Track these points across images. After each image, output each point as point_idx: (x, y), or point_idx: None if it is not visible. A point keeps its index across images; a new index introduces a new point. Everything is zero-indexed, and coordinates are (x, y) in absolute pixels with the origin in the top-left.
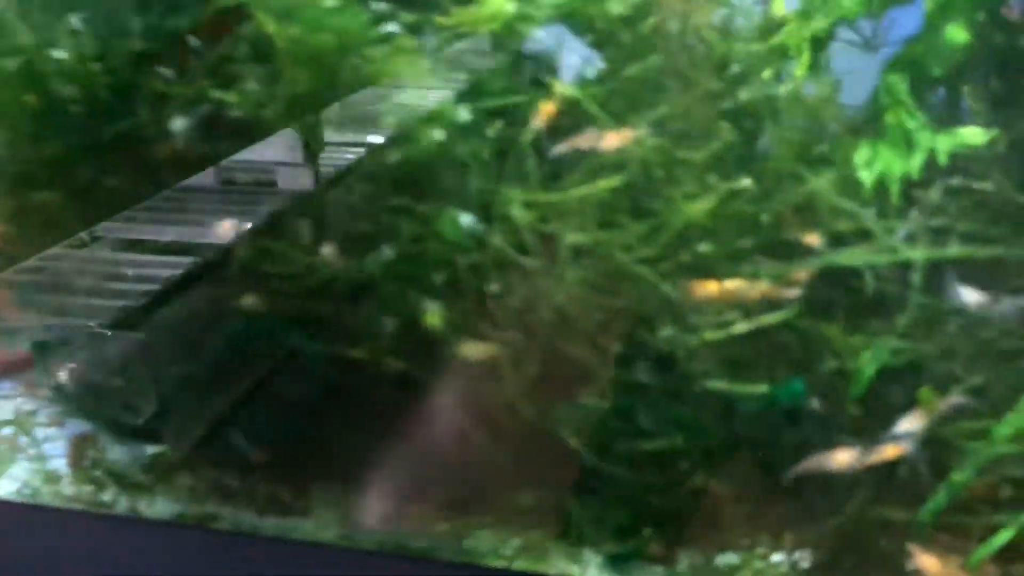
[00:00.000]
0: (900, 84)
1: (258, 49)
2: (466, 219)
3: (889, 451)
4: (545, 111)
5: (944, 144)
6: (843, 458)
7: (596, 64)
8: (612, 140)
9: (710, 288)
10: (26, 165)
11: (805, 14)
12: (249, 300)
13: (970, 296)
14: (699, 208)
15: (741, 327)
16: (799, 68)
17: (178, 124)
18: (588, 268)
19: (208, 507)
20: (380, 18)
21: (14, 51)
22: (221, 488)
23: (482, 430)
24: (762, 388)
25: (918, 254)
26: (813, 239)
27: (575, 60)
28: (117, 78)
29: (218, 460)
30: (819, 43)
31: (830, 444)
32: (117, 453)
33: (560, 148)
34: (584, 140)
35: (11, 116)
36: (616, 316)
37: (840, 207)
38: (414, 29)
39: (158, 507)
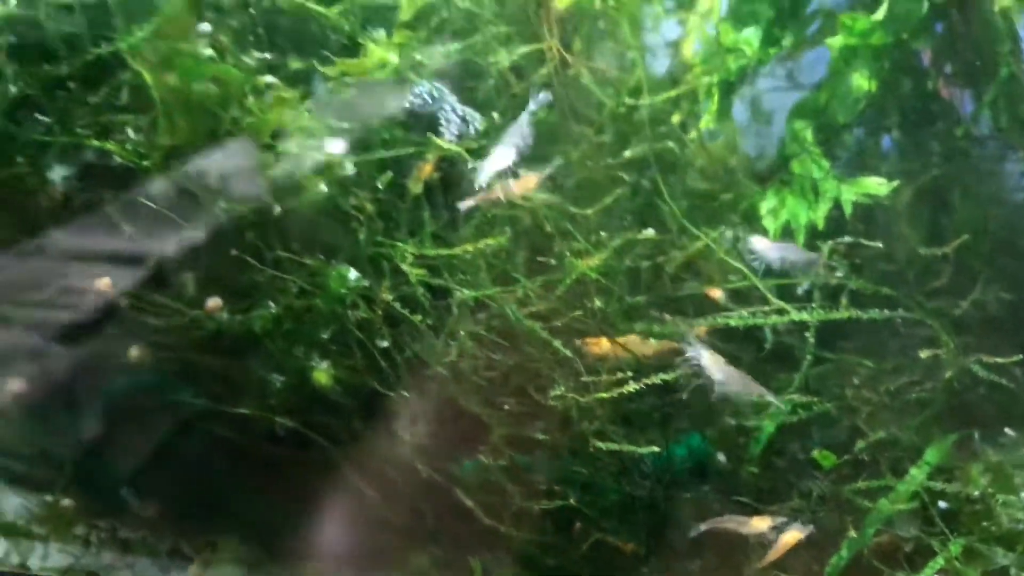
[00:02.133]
0: (805, 131)
1: (137, 98)
2: (353, 274)
3: (792, 536)
4: (427, 168)
5: (849, 194)
6: (758, 525)
7: (478, 118)
8: (517, 188)
9: (603, 345)
10: None
11: (711, 59)
12: (135, 353)
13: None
14: (594, 262)
15: (632, 386)
16: (706, 115)
17: (57, 172)
18: (481, 324)
19: (103, 558)
20: (261, 68)
21: None
22: (117, 540)
23: (378, 487)
24: (655, 448)
25: (810, 316)
26: (716, 293)
27: (457, 115)
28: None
29: (112, 511)
30: (728, 88)
31: (730, 502)
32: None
33: (468, 203)
34: (493, 194)
35: None
36: (510, 373)
37: (731, 265)
38: (301, 78)
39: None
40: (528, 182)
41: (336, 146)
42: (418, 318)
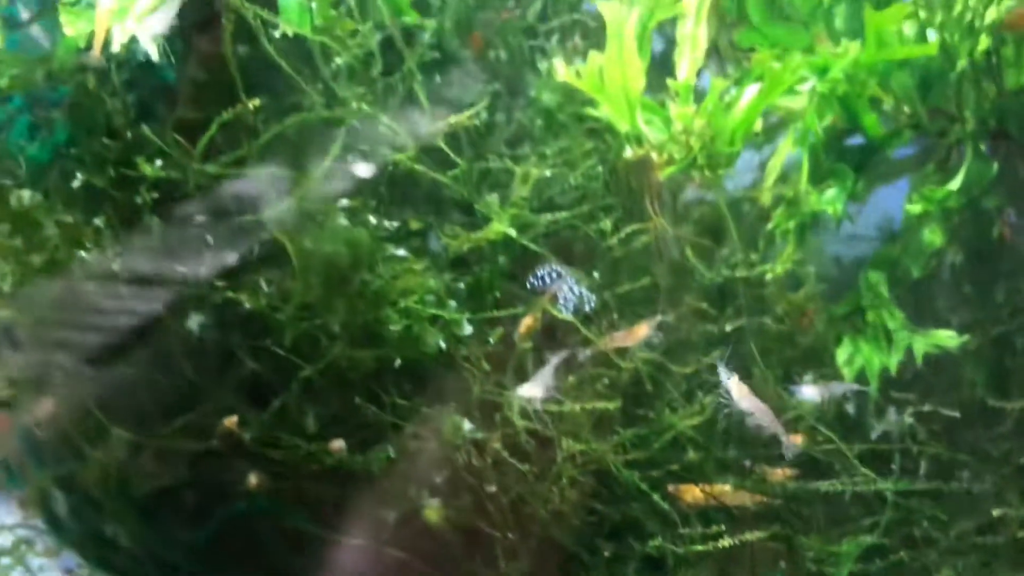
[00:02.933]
0: (881, 283)
1: (272, 256)
2: (467, 425)
3: None
4: (531, 322)
5: (921, 344)
6: None
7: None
8: (623, 339)
9: (695, 494)
10: None
11: (793, 202)
12: (253, 481)
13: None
14: (691, 421)
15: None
16: (782, 258)
17: (194, 320)
18: (581, 469)
19: None
20: (388, 235)
21: None
22: None
23: None
24: None
25: (893, 485)
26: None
27: (575, 294)
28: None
29: None
30: (803, 230)
31: None
32: None
33: (582, 355)
34: (609, 342)
35: None
36: (607, 517)
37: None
38: (417, 234)
39: None
40: (635, 334)
41: (453, 303)
42: (525, 467)
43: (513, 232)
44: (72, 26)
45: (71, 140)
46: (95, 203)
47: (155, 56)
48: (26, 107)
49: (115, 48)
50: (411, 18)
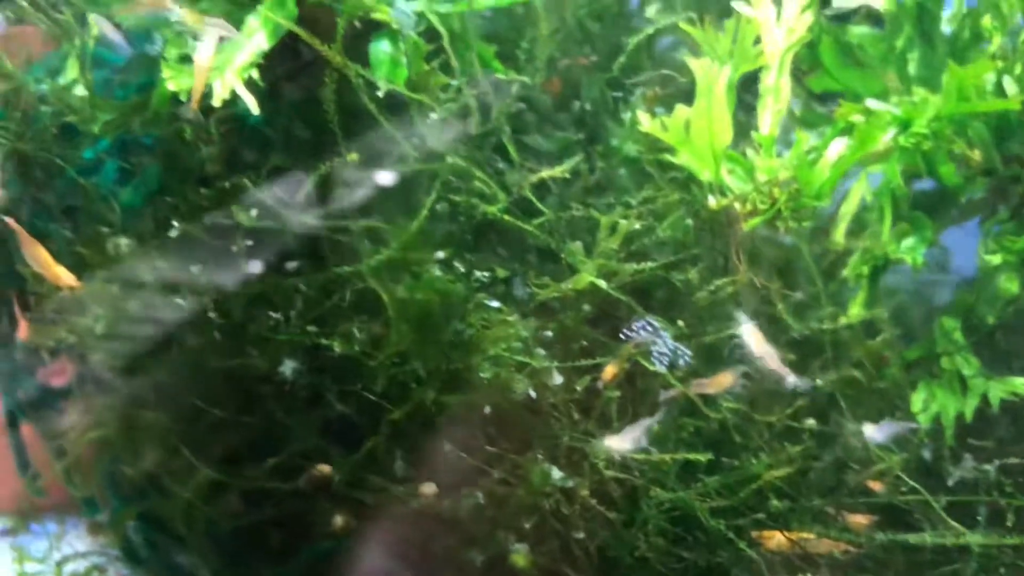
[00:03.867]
0: (956, 330)
1: (364, 303)
2: (556, 473)
3: None
4: (615, 370)
5: (997, 391)
6: None
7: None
8: (709, 386)
9: (779, 540)
10: None
11: (867, 250)
12: (339, 522)
13: None
14: (779, 473)
15: None
16: (855, 305)
17: (288, 366)
18: (665, 516)
19: None
20: (480, 286)
21: None
22: None
23: None
24: None
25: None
26: (876, 486)
27: (669, 348)
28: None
29: None
30: (876, 274)
31: None
32: None
33: (666, 396)
34: (696, 387)
35: None
36: (690, 567)
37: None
38: (505, 282)
39: None
40: (720, 382)
41: (541, 351)
42: (612, 515)
43: (603, 283)
44: (175, 81)
45: (164, 187)
46: (189, 250)
47: (256, 111)
48: (115, 151)
49: (216, 103)
50: (499, 71)
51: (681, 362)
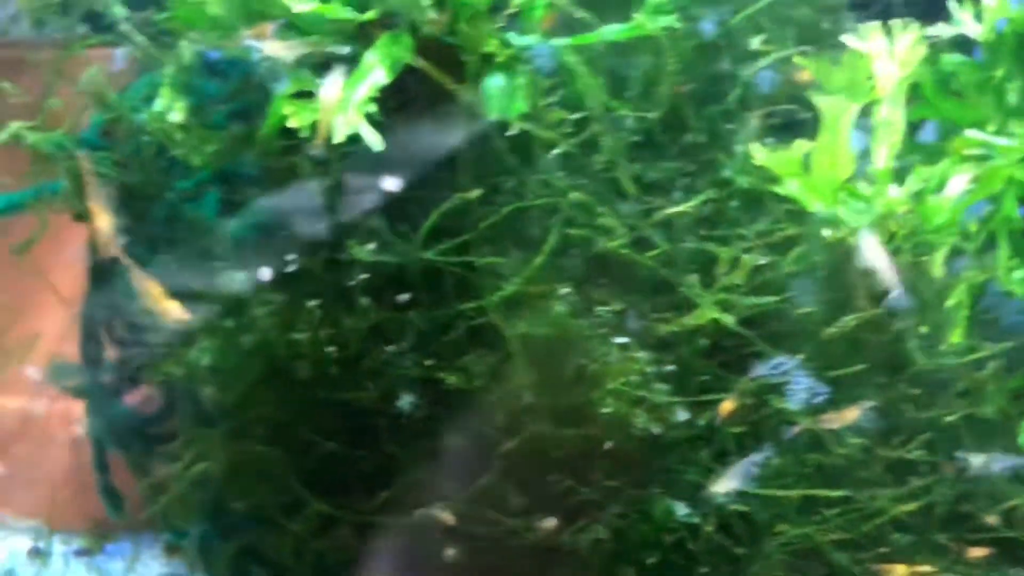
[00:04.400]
0: None
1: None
2: (681, 509)
3: None
4: (727, 407)
5: None
6: None
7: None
8: (837, 421)
9: (900, 573)
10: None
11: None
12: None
13: None
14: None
15: None
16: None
17: (406, 400)
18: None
19: None
20: (600, 322)
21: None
22: None
23: None
24: None
25: None
26: (992, 520)
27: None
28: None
29: None
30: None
31: None
32: None
33: (795, 430)
34: (825, 421)
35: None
36: None
37: None
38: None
39: None
40: (844, 417)
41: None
42: (737, 549)
43: (730, 318)
44: (298, 119)
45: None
46: (301, 284)
47: (379, 146)
48: (215, 181)
49: (338, 139)
50: (617, 106)
51: (817, 400)
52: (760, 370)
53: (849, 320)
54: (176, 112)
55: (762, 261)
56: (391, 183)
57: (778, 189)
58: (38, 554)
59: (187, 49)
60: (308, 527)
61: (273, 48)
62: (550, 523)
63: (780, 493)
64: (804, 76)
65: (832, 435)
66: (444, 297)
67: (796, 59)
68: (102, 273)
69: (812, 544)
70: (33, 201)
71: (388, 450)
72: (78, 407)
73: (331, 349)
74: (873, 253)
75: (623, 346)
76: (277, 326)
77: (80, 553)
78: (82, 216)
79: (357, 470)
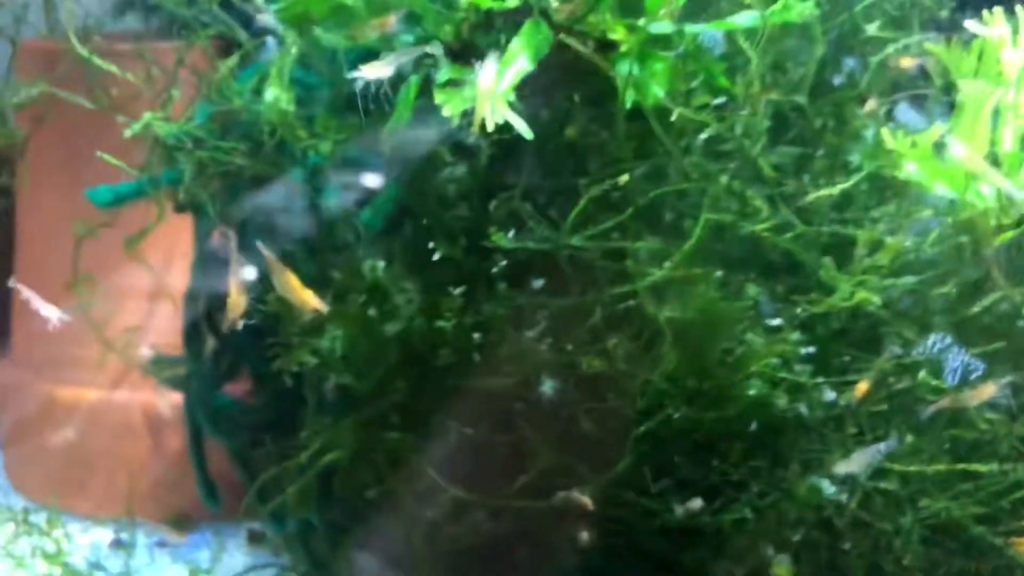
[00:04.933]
0: None
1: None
2: (828, 488)
3: None
4: (862, 388)
5: None
6: None
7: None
8: (973, 398)
9: None
10: None
11: None
12: (583, 537)
13: None
14: None
15: None
16: None
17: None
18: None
19: None
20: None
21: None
22: None
23: None
24: None
25: None
26: None
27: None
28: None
29: None
30: None
31: None
32: None
33: (931, 408)
34: (963, 398)
35: None
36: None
37: None
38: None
39: None
40: (981, 393)
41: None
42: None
43: (876, 299)
44: (451, 106)
45: (411, 208)
46: (439, 272)
47: (528, 135)
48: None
49: (490, 127)
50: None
51: (974, 376)
52: (896, 350)
53: (995, 298)
54: (285, 102)
55: (908, 243)
56: (530, 170)
57: (900, 174)
58: (120, 545)
59: (295, 41)
60: (442, 513)
61: (370, 71)
62: (695, 504)
63: (923, 469)
64: (905, 63)
65: (970, 412)
66: (587, 283)
67: (927, 46)
68: (206, 265)
69: (950, 519)
70: (150, 191)
71: (526, 435)
72: (159, 399)
73: (475, 336)
74: None
75: (773, 329)
76: (419, 314)
77: (163, 544)
78: (183, 207)
79: (494, 456)
